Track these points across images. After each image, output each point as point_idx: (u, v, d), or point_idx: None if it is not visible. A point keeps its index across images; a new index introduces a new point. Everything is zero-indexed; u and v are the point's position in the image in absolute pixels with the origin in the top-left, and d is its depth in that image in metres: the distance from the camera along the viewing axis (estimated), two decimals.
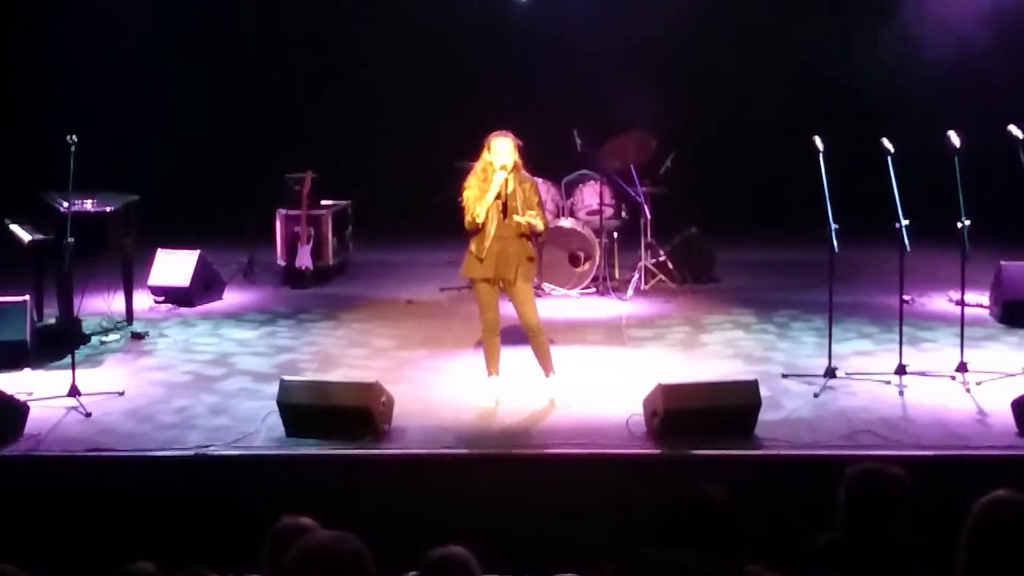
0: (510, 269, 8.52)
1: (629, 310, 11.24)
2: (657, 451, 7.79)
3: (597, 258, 11.71)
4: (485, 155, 8.51)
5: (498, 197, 8.42)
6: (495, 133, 8.56)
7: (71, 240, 8.98)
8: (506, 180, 8.39)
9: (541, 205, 8.72)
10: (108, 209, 10.34)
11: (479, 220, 8.42)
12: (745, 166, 14.38)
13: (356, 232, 13.29)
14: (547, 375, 8.75)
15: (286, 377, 8.44)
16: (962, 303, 9.49)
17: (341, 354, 9.99)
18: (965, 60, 13.38)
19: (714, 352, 9.95)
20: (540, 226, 8.64)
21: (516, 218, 8.43)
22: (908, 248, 8.82)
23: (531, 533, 7.12)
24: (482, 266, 8.52)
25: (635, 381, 8.80)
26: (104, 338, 10.33)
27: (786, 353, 9.82)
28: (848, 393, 8.75)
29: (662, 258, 11.92)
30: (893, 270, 9.24)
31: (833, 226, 8.75)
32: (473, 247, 8.56)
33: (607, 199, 12.02)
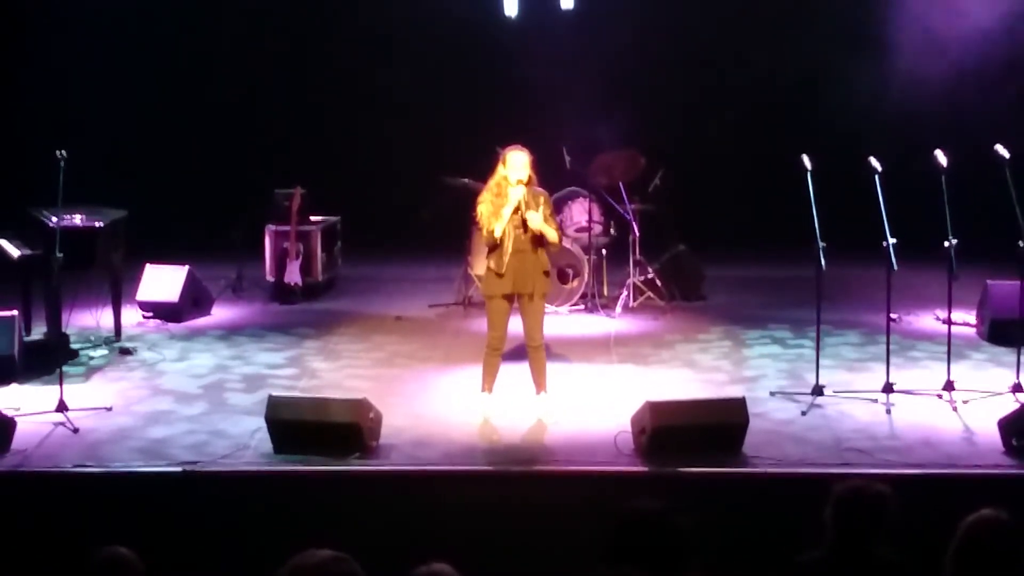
0: (528, 283, 8.50)
1: (617, 327, 11.25)
2: (645, 468, 7.80)
3: (586, 275, 11.70)
4: (500, 169, 8.47)
5: (516, 212, 8.40)
6: (510, 147, 8.52)
7: (60, 255, 8.97)
8: (524, 195, 8.38)
9: (554, 218, 8.71)
10: (97, 224, 10.33)
11: (496, 236, 8.40)
12: (733, 184, 14.38)
13: (345, 248, 13.28)
14: (538, 392, 8.74)
15: (274, 394, 8.43)
16: (949, 322, 9.51)
17: (328, 370, 9.97)
18: (952, 80, 13.42)
19: (700, 369, 9.95)
20: (554, 236, 8.59)
21: (530, 217, 8.33)
22: (895, 267, 8.86)
23: (518, 550, 7.11)
24: (501, 282, 8.49)
25: (623, 398, 8.81)
26: (92, 353, 10.32)
27: (775, 370, 9.82)
28: (835, 411, 8.77)
29: (650, 275, 11.92)
30: (881, 288, 9.26)
31: (820, 244, 8.79)
32: (492, 263, 8.52)
33: (596, 216, 12.01)
